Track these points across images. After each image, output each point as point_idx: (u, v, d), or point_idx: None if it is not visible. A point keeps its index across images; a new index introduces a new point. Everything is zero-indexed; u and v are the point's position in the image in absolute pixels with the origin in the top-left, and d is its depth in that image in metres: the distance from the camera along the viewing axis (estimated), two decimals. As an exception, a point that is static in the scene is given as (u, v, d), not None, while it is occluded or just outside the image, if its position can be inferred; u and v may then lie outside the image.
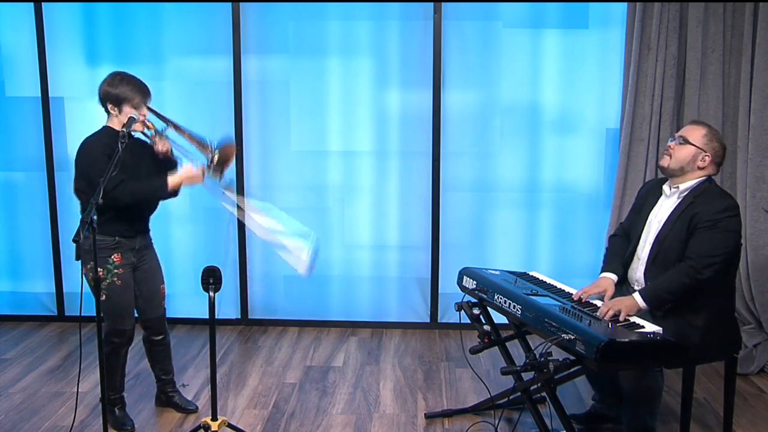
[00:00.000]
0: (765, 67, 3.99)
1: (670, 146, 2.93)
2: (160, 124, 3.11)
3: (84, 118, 4.51)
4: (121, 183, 2.94)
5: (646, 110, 4.15)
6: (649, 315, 2.81)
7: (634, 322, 2.72)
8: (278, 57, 4.45)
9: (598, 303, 2.92)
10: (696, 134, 2.89)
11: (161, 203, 3.26)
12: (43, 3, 4.42)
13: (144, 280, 3.24)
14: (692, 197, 2.86)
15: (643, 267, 2.95)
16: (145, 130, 3.10)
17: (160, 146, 3.09)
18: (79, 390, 3.46)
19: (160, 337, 3.36)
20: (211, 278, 2.88)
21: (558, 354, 2.64)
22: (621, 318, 2.74)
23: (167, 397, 3.48)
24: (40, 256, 4.71)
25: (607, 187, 4.43)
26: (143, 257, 3.24)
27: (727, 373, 2.99)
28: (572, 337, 2.55)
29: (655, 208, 3.00)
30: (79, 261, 2.94)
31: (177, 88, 4.42)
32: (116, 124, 3.06)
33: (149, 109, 3.10)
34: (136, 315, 3.29)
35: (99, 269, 3.05)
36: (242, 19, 4.39)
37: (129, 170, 3.02)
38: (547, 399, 2.93)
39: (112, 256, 3.09)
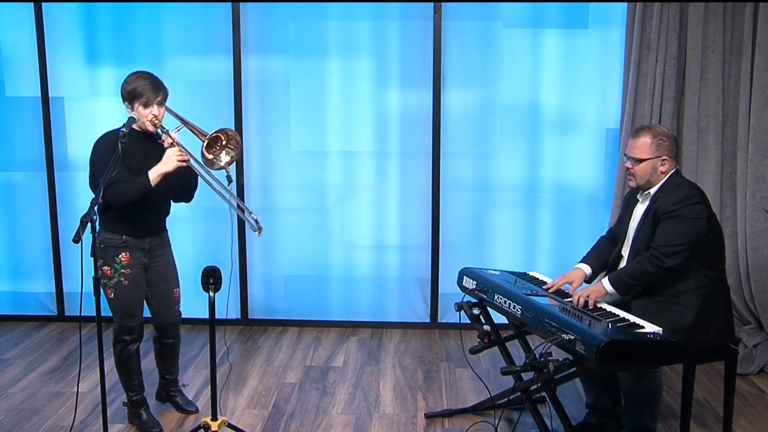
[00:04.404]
0: (765, 67, 3.99)
1: (628, 168, 2.98)
2: (175, 124, 3.08)
3: (84, 118, 4.53)
4: (113, 184, 2.90)
5: (646, 110, 4.15)
6: (630, 305, 2.88)
7: (634, 323, 2.72)
8: (278, 57, 4.45)
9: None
10: (644, 147, 2.92)
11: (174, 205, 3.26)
12: (43, 3, 4.42)
13: (155, 282, 3.22)
14: (658, 194, 2.94)
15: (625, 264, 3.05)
16: (158, 129, 3.05)
17: (166, 144, 3.03)
18: (79, 390, 3.46)
19: (171, 340, 3.35)
20: (211, 278, 2.88)
21: (558, 354, 2.64)
22: (590, 302, 2.86)
23: (168, 396, 3.48)
24: (40, 256, 4.71)
25: (607, 187, 4.43)
26: (155, 258, 3.20)
27: (727, 373, 2.98)
28: (572, 338, 2.55)
29: (633, 213, 3.08)
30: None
31: (177, 88, 4.32)
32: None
33: (167, 108, 3.09)
34: (149, 316, 3.28)
35: (106, 267, 3.06)
36: (242, 19, 4.40)
37: (136, 170, 3.01)
38: (547, 399, 2.93)
39: (120, 255, 3.07)
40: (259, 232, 3.02)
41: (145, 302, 3.25)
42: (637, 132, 2.99)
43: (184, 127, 3.06)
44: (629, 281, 2.87)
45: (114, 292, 3.08)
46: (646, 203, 2.98)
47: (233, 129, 3.02)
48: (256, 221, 3.00)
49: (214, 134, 2.96)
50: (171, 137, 3.01)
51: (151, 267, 3.20)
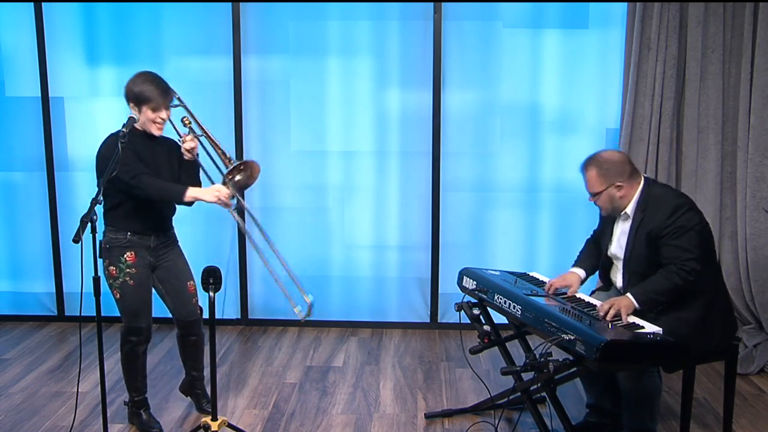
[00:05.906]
0: (765, 67, 3.99)
1: (595, 203, 2.98)
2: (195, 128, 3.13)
3: (84, 118, 4.53)
4: (140, 174, 2.93)
5: (646, 110, 4.15)
6: (640, 314, 2.82)
7: (634, 323, 2.72)
8: (278, 57, 4.45)
9: (597, 303, 2.93)
10: (593, 181, 2.91)
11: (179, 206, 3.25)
12: (43, 3, 4.42)
13: (167, 278, 3.21)
14: (641, 212, 2.89)
15: (621, 277, 3.01)
16: (180, 128, 3.10)
17: (188, 144, 3.06)
18: (79, 390, 3.46)
19: (194, 338, 3.33)
20: (211, 278, 2.88)
21: (558, 354, 2.64)
22: (623, 317, 2.76)
23: (192, 392, 3.46)
24: (40, 256, 4.71)
25: (607, 187, 4.42)
26: (162, 256, 3.19)
27: (727, 373, 2.99)
28: (572, 338, 2.55)
29: (614, 228, 3.05)
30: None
31: (177, 88, 4.28)
32: (137, 123, 3.01)
33: (186, 109, 3.12)
34: (169, 314, 3.28)
35: (112, 267, 3.07)
36: (242, 19, 4.40)
37: (146, 165, 3.02)
38: (547, 399, 2.93)
39: (125, 255, 3.06)
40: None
41: (162, 302, 3.25)
42: (583, 167, 2.95)
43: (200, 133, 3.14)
44: (657, 298, 2.78)
45: (120, 292, 3.08)
46: (628, 222, 2.95)
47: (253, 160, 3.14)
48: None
49: (237, 167, 3.08)
50: (197, 139, 3.09)
51: (160, 265, 3.20)
